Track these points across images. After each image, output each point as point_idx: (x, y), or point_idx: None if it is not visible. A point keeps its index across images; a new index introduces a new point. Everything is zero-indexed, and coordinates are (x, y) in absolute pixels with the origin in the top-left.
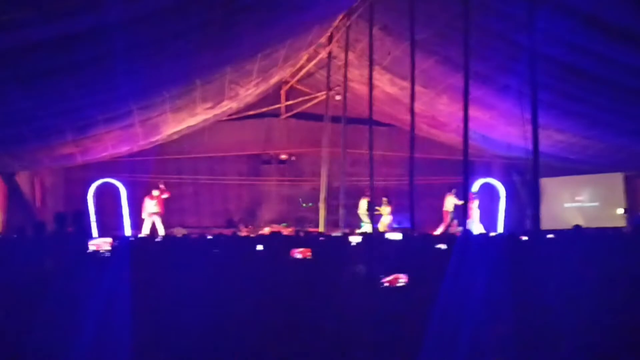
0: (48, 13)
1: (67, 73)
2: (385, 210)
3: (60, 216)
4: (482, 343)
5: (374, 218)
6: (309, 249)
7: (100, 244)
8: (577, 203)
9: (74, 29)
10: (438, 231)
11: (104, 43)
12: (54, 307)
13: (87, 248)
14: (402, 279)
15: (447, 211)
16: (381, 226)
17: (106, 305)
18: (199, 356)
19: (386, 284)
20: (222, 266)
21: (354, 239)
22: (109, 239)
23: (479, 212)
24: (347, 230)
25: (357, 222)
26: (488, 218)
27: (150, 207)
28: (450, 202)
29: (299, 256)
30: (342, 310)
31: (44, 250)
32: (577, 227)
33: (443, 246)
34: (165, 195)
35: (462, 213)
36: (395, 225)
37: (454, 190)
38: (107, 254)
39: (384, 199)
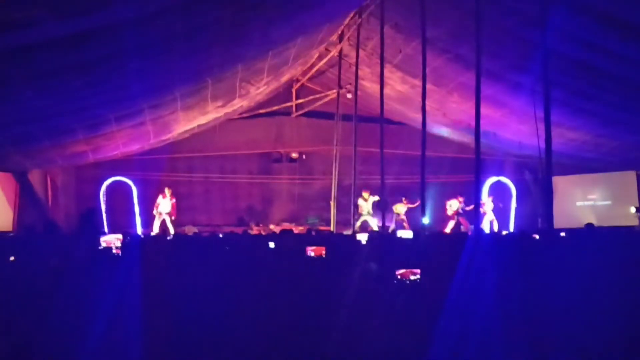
0: (59, 11)
1: (79, 71)
2: (400, 209)
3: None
4: (492, 341)
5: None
6: (322, 247)
7: (111, 240)
8: (589, 201)
9: (86, 27)
10: (448, 228)
11: (115, 41)
12: (66, 302)
13: (100, 245)
14: (415, 274)
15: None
16: (392, 225)
17: (117, 300)
18: (208, 352)
19: (399, 277)
20: (234, 263)
21: (364, 237)
22: (120, 235)
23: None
24: (358, 229)
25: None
26: (500, 216)
27: (163, 206)
28: (454, 206)
29: (311, 254)
30: (354, 306)
31: (57, 247)
32: (589, 226)
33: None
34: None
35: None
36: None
37: (460, 198)
38: (118, 252)
39: (403, 198)
